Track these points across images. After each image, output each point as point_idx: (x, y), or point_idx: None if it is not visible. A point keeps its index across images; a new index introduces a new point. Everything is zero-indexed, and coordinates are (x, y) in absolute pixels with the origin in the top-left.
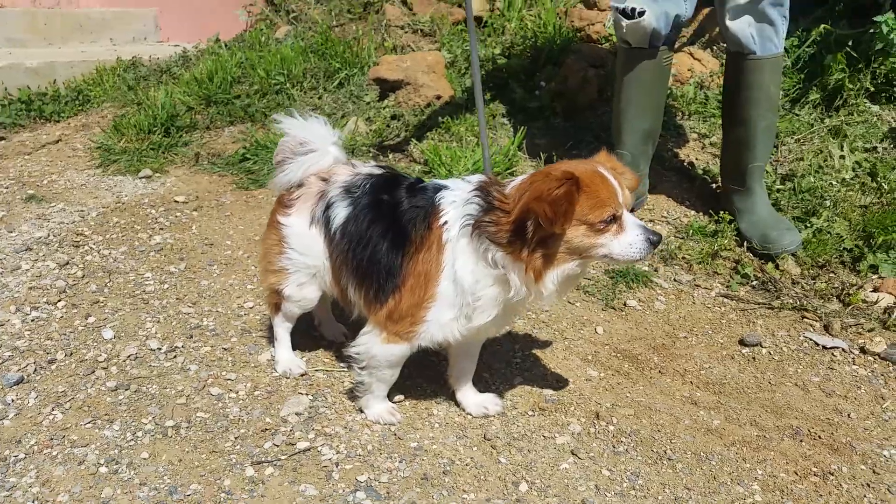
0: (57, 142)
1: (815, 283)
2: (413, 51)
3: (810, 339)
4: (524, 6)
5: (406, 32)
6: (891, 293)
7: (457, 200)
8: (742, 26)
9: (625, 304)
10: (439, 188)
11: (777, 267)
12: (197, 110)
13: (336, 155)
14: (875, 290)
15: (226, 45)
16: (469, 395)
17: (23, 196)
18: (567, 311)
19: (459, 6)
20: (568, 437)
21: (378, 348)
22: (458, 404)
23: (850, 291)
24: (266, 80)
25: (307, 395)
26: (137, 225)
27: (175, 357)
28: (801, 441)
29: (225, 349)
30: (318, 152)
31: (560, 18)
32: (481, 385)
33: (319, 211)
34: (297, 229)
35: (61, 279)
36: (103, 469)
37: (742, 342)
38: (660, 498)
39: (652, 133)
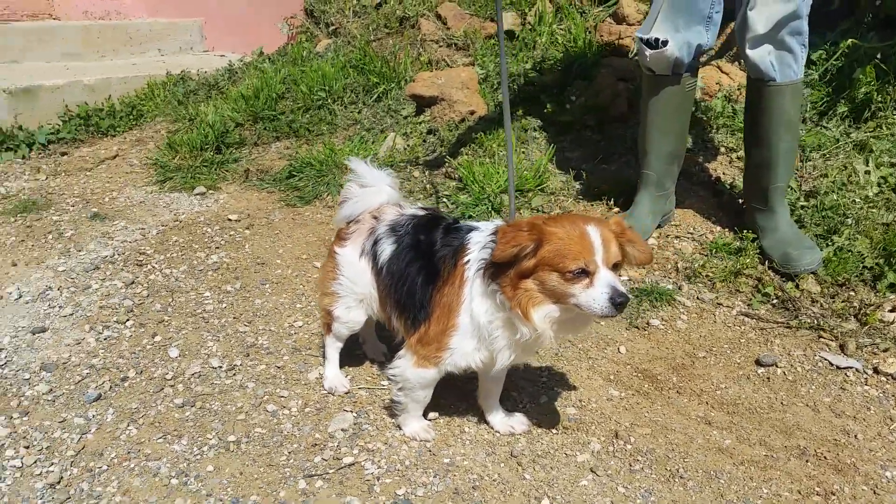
0: (114, 157)
1: (833, 302)
2: (448, 65)
3: (825, 359)
4: (555, 21)
5: (441, 46)
6: None
7: (480, 241)
8: (762, 55)
9: (648, 324)
10: (471, 229)
11: (797, 286)
12: (245, 126)
13: (389, 193)
14: (892, 309)
15: (269, 59)
16: (497, 415)
17: (87, 214)
18: (592, 330)
19: (492, 20)
20: (588, 455)
21: (410, 372)
22: (487, 423)
23: (868, 311)
24: (308, 96)
25: (352, 412)
26: (195, 244)
27: (234, 374)
28: (806, 461)
29: (278, 367)
30: (374, 188)
31: (590, 33)
32: (509, 403)
33: (369, 245)
34: (349, 259)
35: (128, 298)
36: (174, 481)
37: (758, 362)
38: None
39: (676, 154)
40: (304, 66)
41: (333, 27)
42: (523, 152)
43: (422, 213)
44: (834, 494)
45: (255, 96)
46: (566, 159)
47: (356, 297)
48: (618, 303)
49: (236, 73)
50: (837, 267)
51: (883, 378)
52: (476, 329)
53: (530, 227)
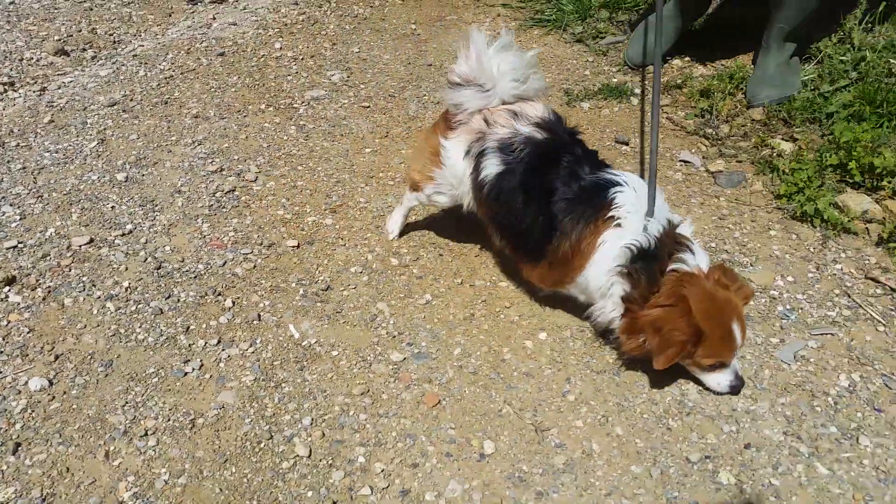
0: None
1: (743, 125)
2: None
3: (678, 155)
4: None
5: None
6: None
7: (625, 228)
8: None
9: (580, 105)
10: (609, 186)
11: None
12: None
13: (506, 96)
14: (785, 138)
15: None
16: None
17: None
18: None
19: None
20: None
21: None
22: None
23: (760, 135)
24: None
25: (370, 252)
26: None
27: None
28: None
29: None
30: (490, 92)
31: None
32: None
33: (475, 151)
34: (452, 154)
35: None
36: (204, 218)
37: (616, 139)
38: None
39: None
40: None
41: None
42: None
43: (539, 137)
44: None
45: None
46: None
47: (449, 188)
48: (734, 386)
49: None
50: (795, 105)
51: (706, 174)
52: (584, 290)
53: (688, 322)
